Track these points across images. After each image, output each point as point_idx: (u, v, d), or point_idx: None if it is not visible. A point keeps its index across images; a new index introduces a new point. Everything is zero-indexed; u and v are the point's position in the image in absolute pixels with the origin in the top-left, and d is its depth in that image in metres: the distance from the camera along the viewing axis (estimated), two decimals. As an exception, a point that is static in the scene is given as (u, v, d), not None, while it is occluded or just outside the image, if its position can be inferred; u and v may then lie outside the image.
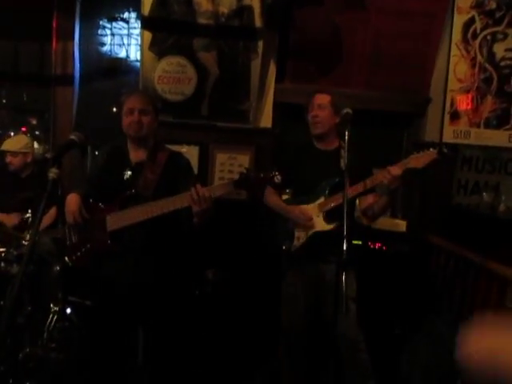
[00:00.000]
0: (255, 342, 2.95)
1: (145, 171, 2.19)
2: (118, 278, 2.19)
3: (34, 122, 3.84)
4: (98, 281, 2.29)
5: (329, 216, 2.21)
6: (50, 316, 2.69)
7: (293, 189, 2.39)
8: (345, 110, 2.05)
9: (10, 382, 2.35)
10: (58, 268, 2.81)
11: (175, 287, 2.43)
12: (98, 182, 2.20)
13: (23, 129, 3.81)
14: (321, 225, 2.22)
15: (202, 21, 2.79)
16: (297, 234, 2.28)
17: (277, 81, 3.08)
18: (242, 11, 2.89)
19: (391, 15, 3.26)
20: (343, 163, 1.98)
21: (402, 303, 2.87)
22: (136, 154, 2.23)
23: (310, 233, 2.24)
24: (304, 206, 2.26)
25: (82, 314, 2.69)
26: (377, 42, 3.27)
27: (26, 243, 2.46)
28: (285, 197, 2.42)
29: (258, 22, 2.91)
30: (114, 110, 3.59)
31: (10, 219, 2.92)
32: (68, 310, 2.77)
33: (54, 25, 3.49)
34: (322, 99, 2.27)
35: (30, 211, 2.74)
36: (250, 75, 2.93)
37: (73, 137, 1.52)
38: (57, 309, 2.72)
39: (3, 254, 2.56)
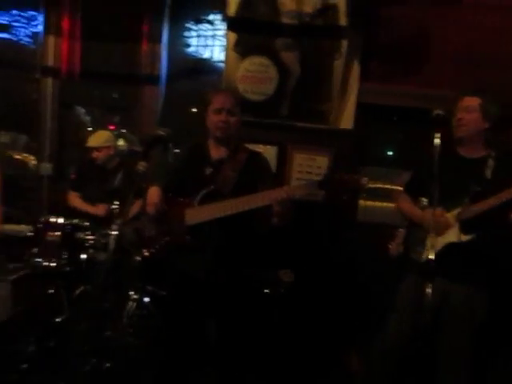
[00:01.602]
0: (325, 344, 2.89)
1: (225, 168, 2.23)
2: (194, 272, 2.25)
3: (121, 119, 4.07)
4: (174, 273, 2.37)
5: (466, 226, 2.07)
6: (130, 303, 2.84)
7: (429, 196, 2.23)
8: (435, 112, 1.95)
9: (93, 361, 2.50)
10: (138, 258, 2.96)
11: (247, 285, 2.44)
12: (178, 178, 2.27)
13: (111, 127, 4.06)
14: (456, 235, 2.08)
15: (285, 21, 2.79)
16: (429, 243, 2.11)
17: (360, 81, 3.00)
18: (327, 10, 2.85)
19: (485, 10, 3.03)
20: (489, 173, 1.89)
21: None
22: (217, 152, 2.27)
23: (444, 243, 2.10)
24: (440, 212, 2.10)
25: (158, 303, 2.79)
26: (468, 39, 3.05)
27: (112, 233, 2.60)
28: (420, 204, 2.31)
29: (342, 21, 2.85)
30: (195, 110, 3.73)
31: (97, 210, 3.12)
32: (146, 299, 2.90)
33: (145, 28, 3.70)
34: (471, 101, 2.15)
35: (116, 202, 2.88)
36: (333, 75, 2.87)
37: (161, 132, 1.58)
38: (136, 297, 2.86)
39: (92, 242, 2.74)
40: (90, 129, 4.12)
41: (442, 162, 2.18)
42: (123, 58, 3.78)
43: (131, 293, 2.85)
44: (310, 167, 2.97)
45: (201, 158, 2.26)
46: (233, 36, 2.85)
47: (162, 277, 2.56)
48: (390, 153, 3.72)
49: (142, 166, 1.55)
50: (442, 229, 2.09)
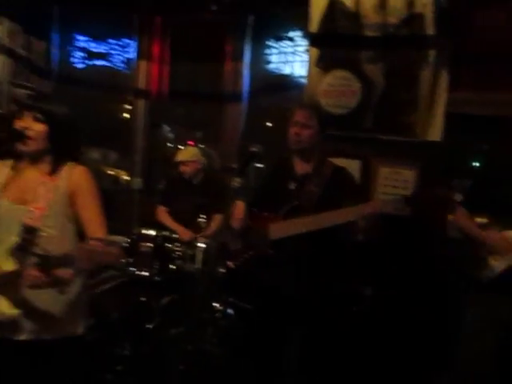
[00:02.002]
0: (410, 365, 2.75)
1: (309, 184, 2.23)
2: (278, 286, 2.27)
3: (205, 136, 4.23)
4: (259, 287, 2.41)
5: None
6: (214, 314, 2.93)
7: (494, 210, 2.12)
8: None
9: (180, 368, 2.61)
10: (222, 270, 3.05)
11: (331, 301, 2.41)
12: (263, 192, 2.32)
13: (190, 142, 4.25)
14: None
15: (369, 33, 2.75)
16: (493, 262, 2.00)
17: (449, 90, 2.85)
18: (412, 19, 2.77)
19: None
20: None
21: None
22: (301, 167, 2.28)
23: (508, 264, 1.95)
24: (507, 232, 1.98)
25: (241, 315, 2.84)
26: None
27: (200, 245, 2.71)
28: (480, 220, 2.18)
29: (429, 30, 2.75)
30: (271, 124, 3.80)
31: (183, 234, 3.16)
32: (229, 311, 2.97)
33: (228, 48, 3.86)
34: None
35: (202, 216, 3.00)
36: (419, 86, 2.77)
37: (254, 149, 1.63)
38: (220, 308, 2.95)
39: (180, 253, 2.87)
40: (170, 145, 4.36)
41: (504, 174, 2.02)
42: (207, 78, 3.97)
43: (216, 304, 2.95)
44: (395, 181, 2.87)
45: (285, 172, 2.29)
46: (315, 51, 2.87)
47: (247, 290, 2.61)
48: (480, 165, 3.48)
49: (237, 182, 1.60)
50: (507, 251, 1.93)
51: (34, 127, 1.64)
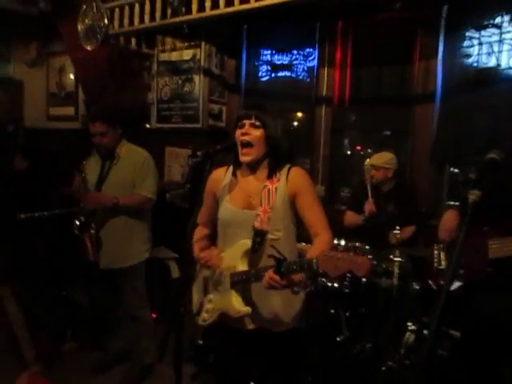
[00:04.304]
0: None
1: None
2: (498, 314, 1.96)
3: (393, 140, 3.93)
4: (471, 312, 2.12)
5: None
6: (408, 334, 2.70)
7: None
8: None
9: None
10: (416, 287, 2.80)
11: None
12: (483, 203, 2.03)
13: (358, 147, 4.03)
14: None
15: None
16: None
17: None
18: None
19: None
20: None
21: None
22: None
23: None
24: None
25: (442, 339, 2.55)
26: None
27: (396, 259, 2.53)
28: None
29: None
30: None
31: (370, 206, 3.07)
32: (425, 332, 2.71)
33: (417, 46, 3.56)
34: None
35: (394, 226, 2.80)
36: None
37: (493, 155, 1.40)
38: (414, 328, 2.71)
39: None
40: (348, 152, 4.21)
41: None
42: (394, 79, 3.74)
43: (409, 323, 2.72)
44: None
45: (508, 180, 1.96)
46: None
47: (456, 313, 2.33)
48: None
49: (474, 195, 1.38)
50: None
51: (253, 133, 1.72)
